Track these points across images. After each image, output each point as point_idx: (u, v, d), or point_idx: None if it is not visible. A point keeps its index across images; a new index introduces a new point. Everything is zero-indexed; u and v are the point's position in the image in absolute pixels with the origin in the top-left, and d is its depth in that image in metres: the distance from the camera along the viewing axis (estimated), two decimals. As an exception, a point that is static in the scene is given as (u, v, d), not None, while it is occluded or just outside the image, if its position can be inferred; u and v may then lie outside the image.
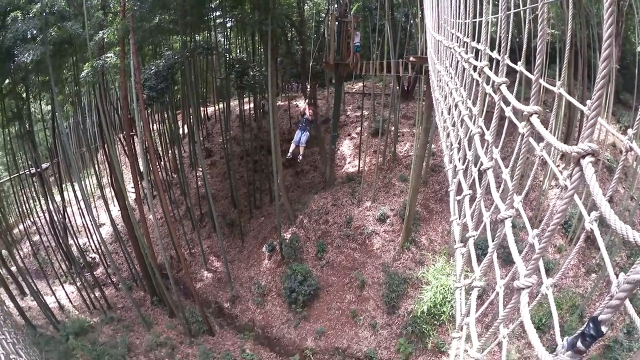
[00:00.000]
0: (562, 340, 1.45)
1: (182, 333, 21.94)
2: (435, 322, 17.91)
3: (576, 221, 19.62)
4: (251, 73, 24.66)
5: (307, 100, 17.68)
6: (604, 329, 1.31)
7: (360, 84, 32.65)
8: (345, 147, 28.44)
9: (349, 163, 27.12)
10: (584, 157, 1.57)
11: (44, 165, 29.46)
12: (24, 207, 31.71)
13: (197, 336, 21.81)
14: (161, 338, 21.53)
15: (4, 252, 26.66)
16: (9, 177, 31.24)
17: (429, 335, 18.02)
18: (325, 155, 25.77)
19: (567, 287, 18.61)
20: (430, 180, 23.56)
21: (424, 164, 21.19)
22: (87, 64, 18.44)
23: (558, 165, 20.37)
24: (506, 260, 14.44)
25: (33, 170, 28.48)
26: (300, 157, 17.80)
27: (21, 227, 32.63)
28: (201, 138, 29.90)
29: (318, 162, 27.85)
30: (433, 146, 22.93)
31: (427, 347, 18.04)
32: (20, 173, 29.95)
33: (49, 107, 28.92)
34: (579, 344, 1.38)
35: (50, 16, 17.95)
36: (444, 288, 17.12)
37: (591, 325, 1.34)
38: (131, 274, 27.04)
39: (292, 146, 16.80)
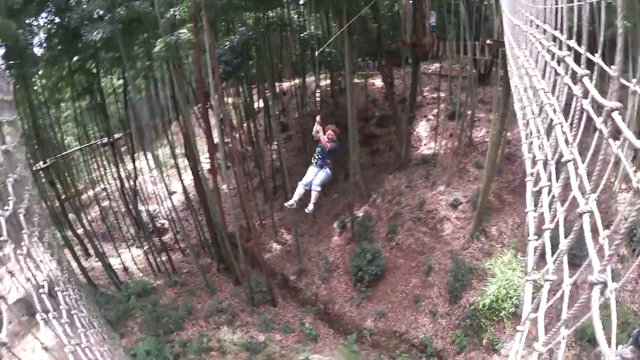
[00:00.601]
0: (617, 348, 1.50)
1: (245, 301, 22.93)
2: (495, 317, 17.69)
3: None
4: (327, 50, 25.16)
5: (318, 119, 9.44)
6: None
7: (437, 65, 32.55)
8: (422, 128, 28.49)
9: (424, 145, 27.21)
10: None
11: (116, 136, 30.94)
12: (94, 175, 33.58)
13: (259, 306, 22.74)
14: (223, 304, 22.62)
15: (71, 215, 28.33)
16: (79, 147, 33.08)
17: (486, 331, 17.90)
18: (401, 136, 26.09)
19: (623, 300, 17.69)
20: (505, 169, 23.31)
21: (499, 152, 20.98)
22: (159, 40, 19.53)
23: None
24: (571, 263, 14.01)
25: (105, 140, 29.93)
26: (312, 208, 10.09)
27: (91, 193, 34.61)
28: (277, 112, 30.70)
29: (394, 142, 28.04)
30: (509, 134, 22.58)
31: (482, 343, 17.94)
32: (92, 143, 31.55)
33: (121, 82, 30.67)
34: None
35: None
36: (508, 283, 16.97)
37: None
38: (199, 241, 28.46)
39: (299, 189, 9.74)
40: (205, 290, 23.71)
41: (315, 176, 9.44)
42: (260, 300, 23.04)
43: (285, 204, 9.90)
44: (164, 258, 26.13)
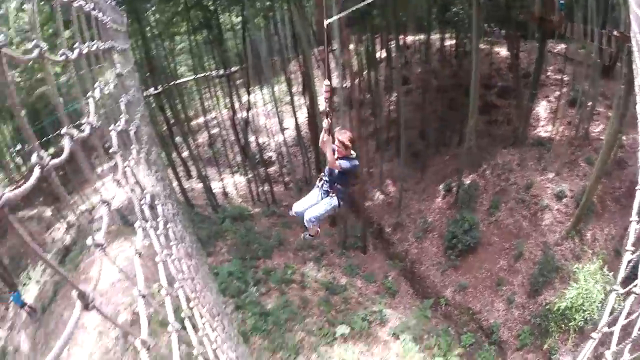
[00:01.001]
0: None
1: (336, 243, 24.04)
2: (563, 326, 17.38)
3: None
4: (454, 9, 25.15)
5: (326, 123, 5.31)
6: None
7: (563, 46, 31.28)
8: (542, 108, 27.96)
9: (542, 126, 26.79)
10: None
11: (232, 69, 32.23)
12: (206, 104, 35.28)
13: (349, 250, 23.71)
14: (314, 242, 23.66)
15: (178, 139, 30.09)
16: (193, 77, 34.72)
17: (551, 336, 17.74)
18: (521, 111, 25.87)
19: None
20: (614, 173, 22.38)
21: (611, 154, 20.23)
22: None
23: None
24: None
25: (221, 72, 31.17)
26: (307, 237, 6.75)
27: (201, 120, 36.47)
28: (399, 65, 30.94)
29: (512, 115, 27.70)
30: (624, 137, 21.46)
31: (542, 347, 17.84)
32: (206, 74, 33.02)
33: (239, 19, 31.60)
34: None
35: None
36: (587, 294, 16.43)
37: None
38: (304, 178, 29.88)
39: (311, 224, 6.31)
40: (300, 225, 24.37)
41: (315, 204, 6.05)
42: (351, 245, 23.89)
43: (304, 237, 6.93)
44: (266, 188, 27.83)
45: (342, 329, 18.40)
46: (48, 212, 30.99)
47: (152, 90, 27.30)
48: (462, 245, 21.59)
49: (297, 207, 6.14)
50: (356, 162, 5.84)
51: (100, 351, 18.09)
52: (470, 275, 21.39)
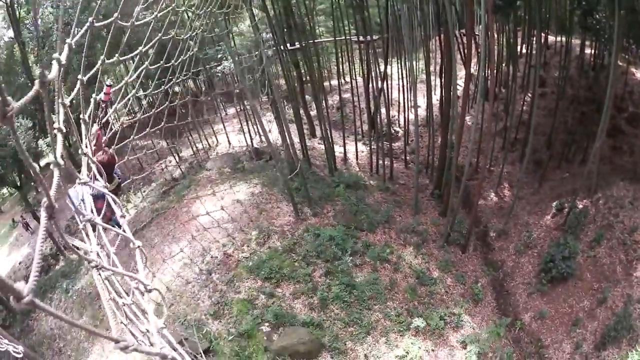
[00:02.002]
0: None
1: (440, 234, 24.74)
2: None
3: None
4: (597, 15, 24.19)
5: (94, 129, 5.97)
6: None
7: None
8: (674, 148, 26.38)
9: (665, 165, 25.38)
10: None
11: (374, 37, 33.00)
12: (342, 68, 36.34)
13: (450, 244, 24.44)
14: (420, 227, 24.73)
15: (308, 97, 31.49)
16: (332, 39, 35.80)
17: None
18: None
19: None
20: None
21: None
22: None
23: None
24: None
25: (361, 38, 32.01)
26: None
27: (334, 82, 37.65)
28: (538, 64, 30.55)
29: (637, 146, 26.64)
30: None
31: None
32: (347, 38, 33.95)
33: None
34: None
35: None
36: None
37: None
38: (425, 160, 30.54)
39: None
40: (411, 208, 25.81)
41: None
42: (453, 240, 24.51)
43: None
44: (386, 162, 28.63)
45: (418, 322, 19.28)
46: (163, 144, 33.65)
47: (288, 45, 28.91)
48: (557, 272, 21.34)
49: None
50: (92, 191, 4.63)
51: (179, 282, 19.92)
52: (552, 305, 21.14)
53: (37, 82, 2.07)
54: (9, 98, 1.54)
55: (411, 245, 23.51)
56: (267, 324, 17.78)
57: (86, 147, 4.84)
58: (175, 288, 19.64)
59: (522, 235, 24.61)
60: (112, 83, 6.40)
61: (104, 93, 6.21)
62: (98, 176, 4.71)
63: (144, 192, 30.68)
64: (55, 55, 2.92)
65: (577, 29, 31.34)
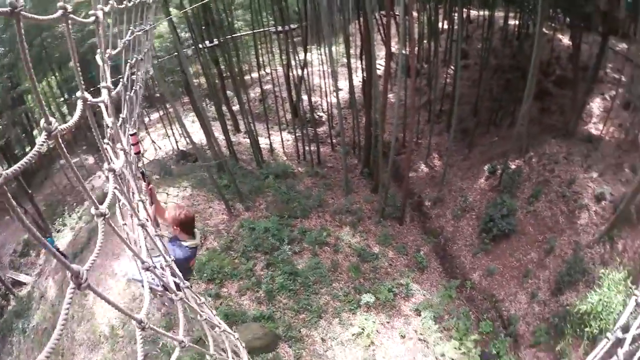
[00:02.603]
0: None
1: (375, 210, 24.72)
2: (579, 331, 17.33)
3: None
4: None
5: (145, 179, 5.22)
6: None
7: (624, 45, 30.59)
8: (595, 105, 27.61)
9: (593, 123, 26.47)
10: None
11: (291, 26, 32.78)
12: (261, 60, 36.04)
13: (386, 219, 24.39)
14: (353, 207, 24.60)
15: (230, 93, 31.04)
16: (251, 32, 35.45)
17: (564, 339, 17.78)
18: (576, 104, 25.52)
19: None
20: (658, 189, 22.32)
21: None
22: None
23: None
24: None
25: (279, 29, 31.75)
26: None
27: (254, 75, 37.37)
28: (460, 38, 30.97)
29: (566, 106, 27.42)
30: None
31: (554, 349, 18.01)
32: (264, 30, 33.65)
33: None
34: None
35: None
36: (607, 302, 16.35)
37: None
38: (352, 141, 30.53)
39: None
40: (342, 189, 25.68)
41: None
42: (389, 214, 24.51)
43: None
44: (312, 148, 28.48)
45: (367, 298, 19.38)
46: (91, 160, 32.74)
47: (207, 43, 28.35)
48: (497, 230, 21.79)
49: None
50: (182, 252, 4.80)
51: (126, 298, 19.23)
52: (499, 262, 21.70)
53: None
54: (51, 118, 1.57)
55: (347, 225, 23.41)
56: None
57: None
58: (123, 306, 18.48)
59: (458, 200, 25.01)
60: (135, 131, 5.09)
61: (132, 145, 4.96)
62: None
63: (78, 212, 29.41)
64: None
65: (501, 3, 32.33)
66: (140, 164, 5.14)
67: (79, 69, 2.28)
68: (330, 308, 19.16)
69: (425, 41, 34.99)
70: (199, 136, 27.33)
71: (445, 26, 35.10)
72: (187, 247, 4.83)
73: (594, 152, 23.60)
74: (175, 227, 4.93)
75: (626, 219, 20.46)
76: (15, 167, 1.34)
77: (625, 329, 2.80)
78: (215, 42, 28.36)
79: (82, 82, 2.13)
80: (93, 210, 1.99)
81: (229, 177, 24.06)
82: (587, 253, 20.18)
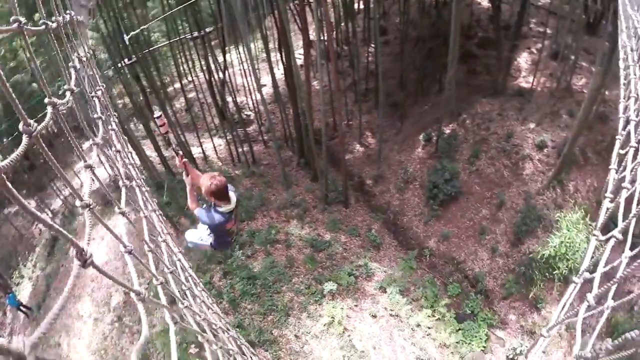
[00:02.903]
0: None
1: (318, 198, 24.34)
2: (547, 274, 17.86)
3: None
4: None
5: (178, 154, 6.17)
6: None
7: (547, 0, 31.73)
8: (522, 59, 28.27)
9: (522, 77, 27.04)
10: None
11: (207, 30, 32.00)
12: (182, 68, 35.16)
13: (331, 204, 24.03)
14: (296, 199, 24.11)
15: (156, 107, 30.11)
16: (167, 42, 34.48)
17: (535, 285, 18.31)
18: (501, 62, 26.02)
19: None
20: (596, 127, 22.75)
21: (594, 108, 20.64)
22: None
23: None
24: (635, 244, 13.80)
25: (195, 34, 30.95)
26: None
27: (177, 85, 36.52)
28: (377, 15, 30.75)
29: (492, 66, 27.90)
30: (607, 93, 21.92)
31: (528, 296, 18.49)
32: (181, 37, 32.78)
33: None
34: None
35: None
36: (570, 242, 16.82)
37: None
38: (283, 135, 29.87)
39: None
40: (282, 184, 25.16)
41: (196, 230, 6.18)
42: (333, 200, 24.17)
43: None
44: (245, 149, 27.73)
45: (330, 286, 19.08)
46: (32, 204, 30.92)
47: (126, 60, 27.29)
48: (444, 195, 21.95)
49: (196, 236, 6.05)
50: (216, 217, 5.35)
51: (97, 338, 19.09)
52: (453, 224, 21.93)
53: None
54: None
55: (294, 219, 22.92)
56: (193, 345, 16.84)
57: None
58: (96, 347, 19.23)
59: (399, 173, 24.96)
60: (160, 114, 6.23)
61: (160, 126, 6.01)
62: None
63: (32, 260, 27.97)
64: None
65: None
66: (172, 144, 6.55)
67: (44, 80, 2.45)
68: (295, 304, 18.85)
69: (342, 24, 34.92)
70: (133, 157, 26.13)
71: (362, 6, 34.98)
72: (222, 212, 5.33)
73: (527, 104, 24.16)
74: (209, 197, 5.28)
75: (572, 161, 21.17)
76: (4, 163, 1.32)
77: (592, 270, 2.80)
78: (134, 58, 27.38)
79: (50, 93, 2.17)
80: (78, 203, 2.02)
81: (168, 194, 23.25)
82: (539, 200, 20.68)
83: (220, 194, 5.25)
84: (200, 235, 5.95)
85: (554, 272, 17.21)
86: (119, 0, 25.36)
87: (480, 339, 17.72)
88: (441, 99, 24.88)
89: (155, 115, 6.45)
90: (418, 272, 20.67)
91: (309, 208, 23.71)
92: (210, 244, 5.86)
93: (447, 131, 24.42)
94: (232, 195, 5.45)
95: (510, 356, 17.06)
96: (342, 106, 28.17)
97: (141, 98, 29.37)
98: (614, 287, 2.42)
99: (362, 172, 26.65)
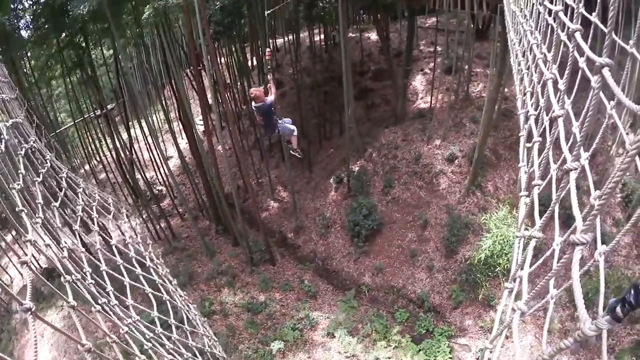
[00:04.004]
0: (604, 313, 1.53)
1: (244, 262, 23.95)
2: (490, 273, 18.61)
3: (637, 197, 19.46)
4: (320, 4, 25.67)
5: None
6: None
7: (434, 19, 33.08)
8: (418, 82, 29.23)
9: (420, 99, 27.94)
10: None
11: (109, 106, 31.72)
12: (90, 148, 34.66)
13: (258, 265, 23.74)
14: (223, 267, 23.66)
15: (69, 192, 29.42)
16: (73, 122, 34.00)
17: (482, 287, 18.94)
18: (397, 90, 26.79)
19: (617, 265, 18.59)
20: (501, 125, 24.07)
21: (496, 107, 21.66)
22: (147, 6, 20.26)
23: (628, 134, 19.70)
24: (566, 222, 14.51)
25: (98, 112, 30.67)
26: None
27: (87, 167, 35.80)
28: (270, 70, 31.13)
29: (390, 95, 28.76)
30: (506, 90, 23.18)
31: (478, 299, 19.04)
32: (85, 117, 32.39)
33: (111, 52, 31.02)
34: (618, 309, 1.46)
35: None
36: (503, 239, 17.42)
37: (632, 292, 1.41)
38: (197, 205, 29.57)
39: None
40: (205, 254, 24.60)
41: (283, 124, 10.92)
42: (259, 260, 23.91)
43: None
44: (163, 225, 27.08)
45: (277, 345, 18.89)
46: None
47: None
48: (366, 230, 22.18)
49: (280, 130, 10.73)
50: (259, 105, 9.45)
51: None
52: (383, 256, 22.14)
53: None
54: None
55: (225, 287, 22.56)
56: None
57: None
58: None
59: (317, 220, 25.08)
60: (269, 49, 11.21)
61: (267, 56, 11.14)
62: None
63: None
64: None
65: (304, 23, 32.75)
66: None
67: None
68: (246, 372, 18.25)
69: (239, 83, 35.04)
70: (54, 249, 25.24)
71: (255, 62, 35.45)
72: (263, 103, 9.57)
73: (429, 123, 24.77)
74: (264, 98, 9.55)
75: (485, 163, 22.09)
76: None
77: (521, 269, 2.83)
78: (42, 143, 26.66)
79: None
80: (18, 307, 2.02)
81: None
82: (462, 209, 21.41)
83: (261, 94, 9.54)
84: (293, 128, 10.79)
85: (497, 270, 17.80)
86: (23, 78, 24.79)
87: (444, 352, 17.93)
88: (345, 139, 25.31)
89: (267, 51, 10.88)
90: (361, 309, 20.71)
91: (237, 273, 23.35)
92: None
93: (356, 169, 24.84)
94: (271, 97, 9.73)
95: (480, 358, 17.29)
96: (249, 166, 28.47)
97: (55, 183, 28.69)
98: (552, 280, 2.43)
99: (282, 226, 26.58)
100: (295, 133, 10.96)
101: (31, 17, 23.21)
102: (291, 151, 11.41)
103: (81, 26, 22.92)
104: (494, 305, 18.52)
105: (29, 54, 25.84)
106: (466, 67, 25.82)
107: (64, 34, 23.77)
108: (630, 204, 20.03)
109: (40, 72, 27.60)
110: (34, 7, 22.89)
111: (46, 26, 22.90)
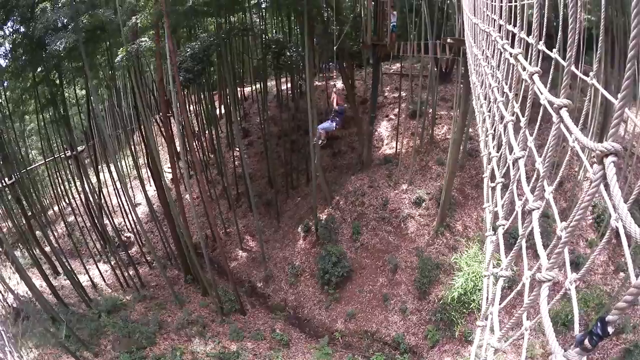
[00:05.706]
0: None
1: (214, 312, 23.09)
2: (465, 310, 18.39)
3: (608, 216, 19.54)
4: (288, 53, 25.63)
5: (334, 90, 18.32)
6: (610, 329, 1.41)
7: (398, 65, 33.31)
8: (383, 128, 29.14)
9: (386, 144, 27.81)
10: (607, 155, 1.57)
11: (79, 148, 30.76)
12: (59, 189, 33.44)
13: (228, 315, 22.91)
14: (193, 316, 22.71)
15: (38, 233, 28.20)
16: (44, 161, 32.89)
17: (457, 324, 18.61)
18: (363, 137, 26.66)
19: (595, 284, 18.80)
20: (467, 164, 24.11)
21: (461, 148, 21.64)
22: (121, 48, 19.74)
23: (593, 157, 20.17)
24: (537, 254, 14.41)
25: (69, 153, 29.71)
26: (323, 141, 19.19)
27: (56, 208, 34.55)
28: (238, 118, 31.05)
29: (355, 143, 28.62)
30: (470, 130, 23.27)
31: (455, 336, 18.66)
32: (56, 156, 31.37)
33: (84, 92, 30.53)
34: (586, 341, 1.46)
35: (80, 4, 18.85)
36: (475, 275, 17.50)
37: (599, 324, 1.41)
38: (166, 253, 28.63)
39: (318, 132, 18.17)
40: (175, 303, 23.67)
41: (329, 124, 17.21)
42: (229, 309, 23.18)
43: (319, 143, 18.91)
44: (131, 272, 25.95)
45: None
46: None
47: (6, 180, 25.34)
48: (336, 278, 21.75)
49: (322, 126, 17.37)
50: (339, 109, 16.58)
51: None
52: (354, 302, 21.66)
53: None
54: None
55: (195, 336, 21.59)
56: None
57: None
58: None
59: (287, 269, 24.53)
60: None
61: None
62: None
63: None
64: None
65: (271, 72, 32.53)
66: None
67: None
68: None
69: (207, 131, 34.55)
70: (24, 287, 23.89)
71: (223, 110, 34.95)
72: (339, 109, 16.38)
73: (395, 168, 24.70)
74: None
75: (452, 203, 22.04)
76: None
77: (491, 306, 2.86)
78: (14, 179, 25.55)
79: None
80: None
81: (65, 327, 21.14)
82: (432, 250, 21.24)
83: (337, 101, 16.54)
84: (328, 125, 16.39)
85: (471, 306, 17.70)
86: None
87: (425, 391, 17.40)
88: (312, 188, 24.98)
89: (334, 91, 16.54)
90: (336, 355, 20.11)
91: (207, 323, 22.39)
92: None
93: (324, 216, 24.45)
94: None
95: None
96: (217, 215, 27.93)
97: (24, 222, 27.39)
98: (524, 314, 2.40)
99: (251, 276, 25.89)
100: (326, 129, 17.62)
101: (10, 45, 22.57)
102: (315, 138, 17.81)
103: (57, 63, 22.32)
104: (471, 340, 18.04)
105: (5, 84, 25.10)
106: (430, 110, 25.90)
107: (39, 68, 23.06)
108: (602, 224, 20.30)
109: (15, 104, 26.83)
110: (14, 35, 22.25)
111: (23, 57, 22.30)
